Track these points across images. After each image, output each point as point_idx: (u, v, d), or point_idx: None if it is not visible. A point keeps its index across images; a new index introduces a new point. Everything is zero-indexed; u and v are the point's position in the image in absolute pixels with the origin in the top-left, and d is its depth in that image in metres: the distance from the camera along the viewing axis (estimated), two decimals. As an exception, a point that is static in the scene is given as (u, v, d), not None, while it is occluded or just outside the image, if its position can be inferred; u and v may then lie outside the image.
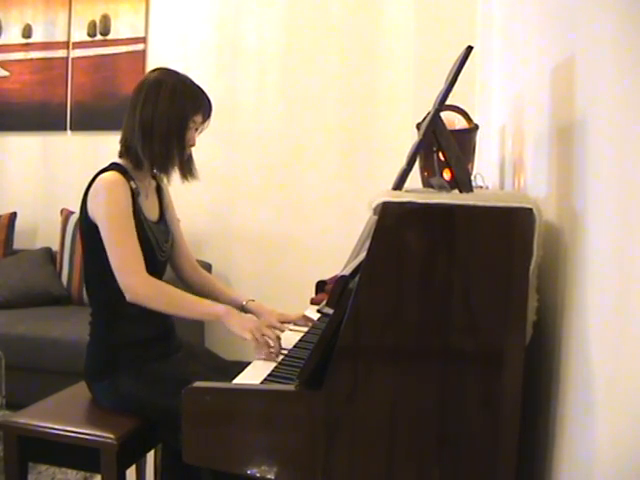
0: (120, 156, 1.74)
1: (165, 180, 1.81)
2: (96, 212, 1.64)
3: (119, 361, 1.67)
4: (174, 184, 1.82)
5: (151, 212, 1.77)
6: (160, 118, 1.67)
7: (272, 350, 1.49)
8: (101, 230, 1.63)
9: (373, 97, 3.32)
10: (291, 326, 1.75)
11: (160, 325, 1.73)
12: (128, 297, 1.61)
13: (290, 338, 1.62)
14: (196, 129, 1.74)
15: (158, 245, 1.74)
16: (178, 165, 1.73)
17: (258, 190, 3.48)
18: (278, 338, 1.53)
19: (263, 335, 1.52)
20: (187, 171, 1.76)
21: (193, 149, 1.77)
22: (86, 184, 1.69)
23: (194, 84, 1.74)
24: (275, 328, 1.63)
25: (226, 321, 1.59)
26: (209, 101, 1.75)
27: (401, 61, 3.26)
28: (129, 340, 1.69)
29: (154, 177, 1.83)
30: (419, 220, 1.01)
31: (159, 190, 1.86)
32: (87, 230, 1.68)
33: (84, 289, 3.23)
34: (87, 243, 1.71)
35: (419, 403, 1.02)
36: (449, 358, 1.01)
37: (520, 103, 1.59)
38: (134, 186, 1.69)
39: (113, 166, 1.71)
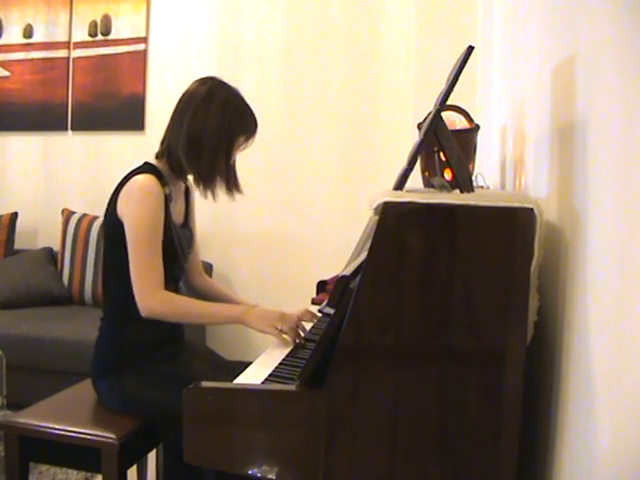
0: (157, 157, 1.72)
1: (210, 196, 1.75)
2: (126, 213, 1.62)
3: (126, 360, 1.67)
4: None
5: (178, 216, 1.77)
6: (210, 133, 1.65)
7: (291, 332, 1.57)
8: (127, 234, 1.61)
9: (374, 97, 3.32)
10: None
11: (170, 328, 1.73)
12: (143, 314, 1.62)
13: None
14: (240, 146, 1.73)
15: (182, 250, 1.74)
16: (225, 181, 1.71)
17: (259, 190, 3.48)
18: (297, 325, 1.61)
19: (289, 326, 1.58)
20: (233, 186, 1.74)
21: None
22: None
23: (244, 102, 1.72)
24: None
25: (245, 320, 1.62)
26: (256, 122, 1.73)
27: (402, 61, 3.26)
28: (139, 340, 1.68)
29: (184, 180, 1.80)
30: (420, 220, 1.01)
31: (187, 193, 1.84)
32: (113, 228, 1.65)
33: (85, 289, 3.28)
34: (110, 241, 1.70)
35: (420, 403, 1.02)
36: (450, 358, 1.01)
37: (521, 103, 1.60)
38: (167, 192, 1.67)
39: (148, 167, 1.68)
